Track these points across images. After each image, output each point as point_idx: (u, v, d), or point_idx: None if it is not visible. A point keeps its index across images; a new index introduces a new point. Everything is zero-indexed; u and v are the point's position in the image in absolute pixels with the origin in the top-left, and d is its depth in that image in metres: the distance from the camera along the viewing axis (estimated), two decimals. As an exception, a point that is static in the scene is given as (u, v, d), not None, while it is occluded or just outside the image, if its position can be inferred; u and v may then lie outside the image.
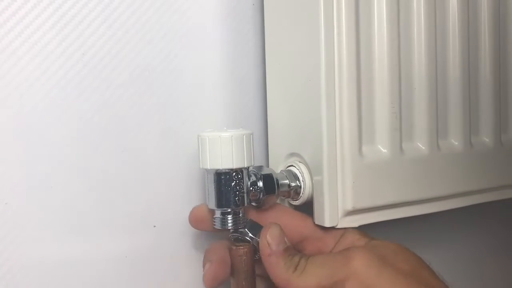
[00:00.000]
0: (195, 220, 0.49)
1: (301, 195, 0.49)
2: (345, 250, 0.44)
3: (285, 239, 0.45)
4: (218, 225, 0.47)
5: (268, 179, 0.48)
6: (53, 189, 0.47)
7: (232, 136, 0.45)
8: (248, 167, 0.47)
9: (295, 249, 0.46)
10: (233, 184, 0.46)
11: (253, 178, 0.47)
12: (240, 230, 0.47)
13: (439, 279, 0.44)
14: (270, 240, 0.45)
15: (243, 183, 0.46)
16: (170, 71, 0.52)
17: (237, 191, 0.46)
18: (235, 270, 0.47)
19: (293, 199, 0.50)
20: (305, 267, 0.43)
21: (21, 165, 0.46)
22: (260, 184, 0.47)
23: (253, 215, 0.49)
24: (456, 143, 0.54)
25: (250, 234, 0.47)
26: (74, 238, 0.48)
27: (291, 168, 0.50)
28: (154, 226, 0.52)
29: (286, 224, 0.47)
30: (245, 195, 0.46)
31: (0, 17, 0.45)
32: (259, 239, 0.46)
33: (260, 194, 0.47)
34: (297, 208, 0.51)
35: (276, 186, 0.48)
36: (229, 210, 0.46)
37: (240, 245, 0.47)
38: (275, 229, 0.45)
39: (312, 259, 0.44)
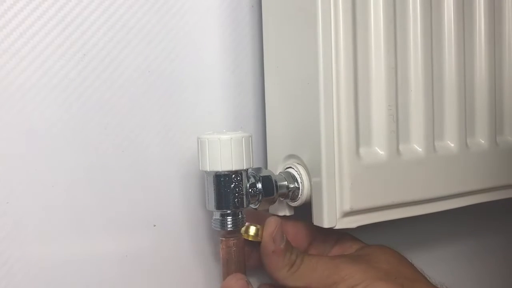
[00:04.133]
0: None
1: (299, 196, 0.49)
2: (337, 257, 0.50)
3: (283, 234, 0.48)
4: (217, 227, 0.47)
5: (267, 180, 0.48)
6: (54, 189, 0.48)
7: (231, 138, 0.46)
8: (247, 169, 0.47)
9: (291, 244, 0.49)
10: (232, 186, 0.46)
11: (252, 180, 0.48)
12: None
13: (420, 273, 0.50)
14: (275, 237, 0.47)
15: (242, 185, 0.47)
16: (170, 72, 0.52)
17: (237, 192, 0.46)
18: (225, 261, 0.48)
19: (291, 200, 0.50)
20: (299, 267, 0.48)
21: (23, 165, 0.46)
22: (259, 185, 0.48)
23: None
24: (452, 144, 0.55)
25: None
26: (74, 238, 0.49)
27: (289, 169, 0.50)
28: (154, 226, 0.52)
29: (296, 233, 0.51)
30: (244, 196, 0.47)
31: (2, 18, 0.45)
32: (263, 235, 0.47)
33: (259, 196, 0.48)
34: (295, 209, 0.52)
35: (274, 188, 0.49)
36: (228, 211, 0.47)
37: (231, 236, 0.48)
38: (276, 222, 0.48)
39: (306, 261, 0.48)
